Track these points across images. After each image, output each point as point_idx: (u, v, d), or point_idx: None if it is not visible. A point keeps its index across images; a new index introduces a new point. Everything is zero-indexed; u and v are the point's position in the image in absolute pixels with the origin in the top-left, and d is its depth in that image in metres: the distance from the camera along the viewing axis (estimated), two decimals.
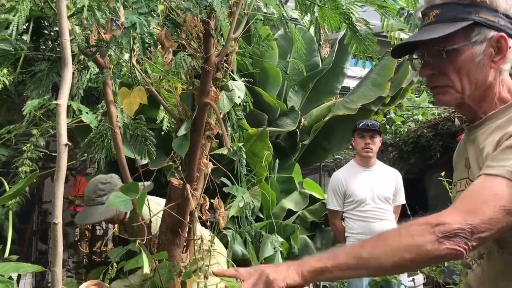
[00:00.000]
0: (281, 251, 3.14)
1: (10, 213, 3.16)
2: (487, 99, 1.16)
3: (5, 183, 3.22)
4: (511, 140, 1.04)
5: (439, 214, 0.99)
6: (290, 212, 4.30)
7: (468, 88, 1.14)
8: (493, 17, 1.11)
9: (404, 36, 2.68)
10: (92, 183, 2.73)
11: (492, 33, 1.12)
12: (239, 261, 2.96)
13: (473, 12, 1.10)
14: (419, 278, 4.18)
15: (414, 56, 1.20)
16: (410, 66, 1.21)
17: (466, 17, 1.10)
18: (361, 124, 3.75)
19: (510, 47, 1.12)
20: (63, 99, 1.16)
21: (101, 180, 2.71)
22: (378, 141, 3.76)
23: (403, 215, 4.11)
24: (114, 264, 1.78)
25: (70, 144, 1.15)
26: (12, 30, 1.94)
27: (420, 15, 1.22)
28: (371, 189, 3.68)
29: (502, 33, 1.11)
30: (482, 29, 1.11)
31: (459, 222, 0.95)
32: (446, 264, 3.43)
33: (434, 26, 1.13)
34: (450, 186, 3.45)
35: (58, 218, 1.13)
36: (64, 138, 1.13)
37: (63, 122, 1.15)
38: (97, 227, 5.89)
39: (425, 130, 6.82)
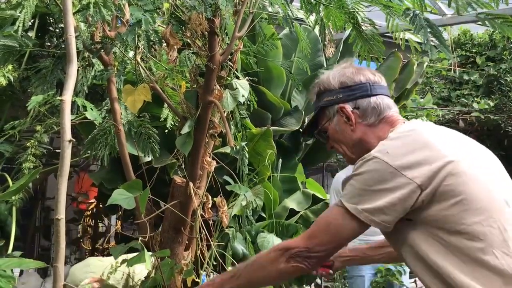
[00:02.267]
0: None
1: (14, 209, 3.17)
2: (370, 149, 1.32)
3: (9, 179, 3.23)
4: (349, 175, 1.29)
5: (289, 241, 1.37)
6: (292, 212, 4.29)
7: (346, 150, 1.43)
8: (331, 96, 1.42)
9: (409, 36, 2.67)
10: None
11: (336, 106, 1.41)
12: (240, 260, 2.96)
13: (321, 99, 1.45)
14: None
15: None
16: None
17: (317, 106, 1.46)
18: None
19: (358, 107, 1.38)
20: (68, 95, 1.16)
21: None
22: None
23: None
24: (116, 261, 1.78)
25: (74, 140, 1.15)
26: (18, 26, 1.94)
27: None
28: None
29: (340, 104, 1.40)
30: (329, 108, 1.43)
31: (300, 246, 1.28)
32: None
33: (310, 117, 1.54)
34: None
35: (61, 214, 1.13)
36: (68, 134, 1.13)
37: (67, 118, 1.16)
38: (100, 224, 5.92)
39: None
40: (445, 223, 1.17)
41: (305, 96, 5.44)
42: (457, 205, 1.15)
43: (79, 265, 2.85)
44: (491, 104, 6.84)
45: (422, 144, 1.22)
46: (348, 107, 1.39)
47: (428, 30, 1.76)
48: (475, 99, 7.74)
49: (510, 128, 6.42)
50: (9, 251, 2.95)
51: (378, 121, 1.38)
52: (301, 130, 5.07)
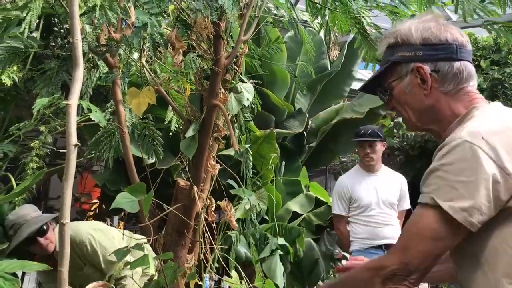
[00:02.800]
0: (282, 254, 3.13)
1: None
2: (440, 119, 1.24)
3: (13, 180, 3.24)
4: (433, 163, 1.13)
5: (381, 258, 1.21)
6: (295, 215, 4.29)
7: (412, 115, 1.27)
8: (410, 52, 1.24)
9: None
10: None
11: (412, 65, 1.23)
12: (244, 263, 2.96)
13: (394, 53, 1.27)
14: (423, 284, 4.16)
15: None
16: None
17: (389, 59, 1.28)
18: (359, 134, 3.72)
19: (438, 70, 1.21)
20: (74, 99, 1.16)
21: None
22: (379, 148, 3.73)
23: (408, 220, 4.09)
24: (120, 264, 1.78)
25: (79, 144, 1.16)
26: (24, 28, 1.94)
27: None
28: (376, 194, 3.66)
29: (418, 63, 1.23)
30: (403, 65, 1.25)
31: (394, 263, 1.10)
32: None
33: (376, 70, 1.35)
34: None
35: (66, 219, 1.13)
36: (74, 138, 1.13)
37: (73, 122, 1.16)
38: None
39: (432, 135, 6.79)
40: None
41: (309, 99, 5.44)
42: None
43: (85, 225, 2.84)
44: None
45: None
46: (427, 68, 1.21)
47: None
48: None
49: None
50: None
51: (456, 91, 1.22)
52: (304, 132, 5.07)
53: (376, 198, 3.66)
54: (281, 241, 3.10)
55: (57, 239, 2.41)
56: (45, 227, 2.53)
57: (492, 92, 7.84)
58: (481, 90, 8.26)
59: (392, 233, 3.64)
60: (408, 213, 3.95)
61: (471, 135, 1.07)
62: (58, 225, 1.37)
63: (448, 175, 1.07)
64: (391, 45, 1.27)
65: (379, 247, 3.60)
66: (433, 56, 1.22)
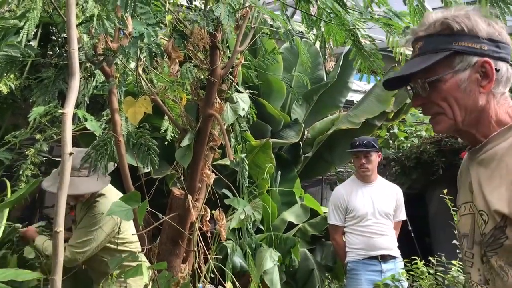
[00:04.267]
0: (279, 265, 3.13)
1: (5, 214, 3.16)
2: (483, 122, 1.16)
3: (8, 187, 3.23)
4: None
5: None
6: (291, 225, 4.29)
7: (458, 114, 1.15)
8: (474, 44, 1.12)
9: (409, 52, 2.70)
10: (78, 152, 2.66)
11: (475, 59, 1.13)
12: (238, 274, 2.95)
13: (453, 41, 1.13)
14: None
15: (408, 88, 1.24)
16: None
17: (446, 47, 1.13)
18: (354, 144, 3.74)
19: (498, 70, 1.13)
20: (69, 108, 1.17)
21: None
22: (374, 158, 3.75)
23: (404, 230, 4.10)
24: (114, 273, 1.78)
25: (74, 153, 1.16)
26: (22, 37, 1.96)
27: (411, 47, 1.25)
28: (372, 204, 3.67)
29: (486, 58, 1.13)
30: (464, 57, 1.13)
31: None
32: (446, 282, 3.41)
33: (418, 59, 1.17)
34: (452, 204, 3.44)
35: (60, 227, 1.13)
36: (68, 147, 1.14)
37: (68, 131, 1.16)
38: None
39: (428, 146, 6.81)
40: None
41: (305, 109, 5.46)
42: None
43: None
44: None
45: None
46: (493, 65, 1.12)
47: None
48: None
49: None
50: None
51: (501, 94, 1.16)
52: (300, 142, 5.09)
53: (372, 209, 3.67)
54: (275, 254, 3.10)
55: None
56: None
57: None
58: None
59: (388, 243, 3.65)
60: (403, 223, 3.96)
61: None
62: None
63: None
64: (451, 32, 1.13)
65: (375, 257, 3.60)
66: (497, 54, 1.13)
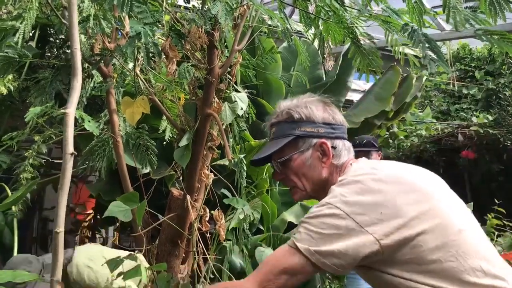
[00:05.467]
0: None
1: (15, 221, 3.15)
2: (326, 189, 1.31)
3: (7, 189, 3.22)
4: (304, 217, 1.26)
5: (240, 282, 1.31)
6: (291, 225, 4.27)
7: (307, 185, 1.37)
8: (312, 128, 1.36)
9: (408, 51, 2.69)
10: None
11: (315, 140, 1.35)
12: (237, 274, 2.94)
13: (296, 127, 1.36)
14: None
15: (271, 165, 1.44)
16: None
17: (291, 133, 1.36)
18: (354, 144, 3.70)
19: (335, 147, 1.35)
20: (71, 108, 1.16)
21: None
22: (374, 157, 3.72)
23: None
24: (113, 274, 1.76)
25: (76, 153, 1.15)
26: (18, 38, 1.95)
27: None
28: None
29: (322, 139, 1.35)
30: (306, 139, 1.36)
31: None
32: None
33: (271, 142, 1.41)
34: None
35: (60, 228, 1.12)
36: (70, 147, 1.13)
37: (70, 131, 1.15)
38: (97, 236, 5.88)
39: (428, 145, 6.81)
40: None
41: None
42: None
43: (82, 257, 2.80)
44: (490, 118, 6.85)
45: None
46: (329, 144, 1.35)
47: (427, 45, 1.77)
48: (474, 113, 7.76)
49: (509, 142, 6.41)
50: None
51: (341, 164, 1.37)
52: None
53: None
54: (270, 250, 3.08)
55: None
56: None
57: (486, 102, 7.89)
58: (475, 100, 8.33)
59: None
60: None
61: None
62: None
63: None
64: (295, 120, 1.36)
65: None
66: (332, 134, 1.36)
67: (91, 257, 2.36)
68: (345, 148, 1.38)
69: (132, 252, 1.89)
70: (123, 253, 1.86)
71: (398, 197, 1.16)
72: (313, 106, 1.38)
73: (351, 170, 1.32)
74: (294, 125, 1.36)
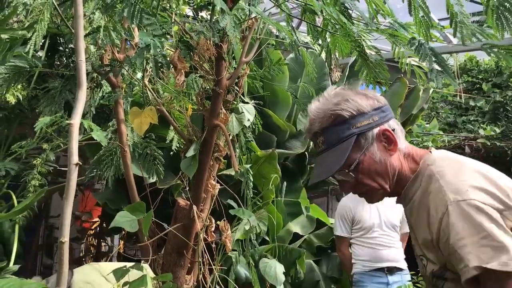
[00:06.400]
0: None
1: (16, 227, 3.16)
2: (402, 177, 1.24)
3: (14, 197, 3.24)
4: (450, 239, 1.09)
5: None
6: (296, 236, 4.26)
7: (383, 183, 1.24)
8: (367, 120, 1.21)
9: (415, 63, 2.69)
10: None
11: (375, 131, 1.22)
12: (243, 285, 2.93)
13: (351, 126, 1.21)
14: None
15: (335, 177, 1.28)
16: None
17: (349, 134, 1.20)
18: None
19: (394, 129, 1.23)
20: (76, 119, 1.18)
21: None
22: None
23: (410, 242, 4.06)
24: (118, 283, 1.77)
25: (81, 163, 1.17)
26: (30, 48, 1.98)
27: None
28: (378, 216, 3.64)
29: (381, 126, 1.22)
30: (366, 134, 1.21)
31: None
32: None
33: (328, 154, 1.23)
34: None
35: (66, 237, 1.13)
36: (75, 158, 1.14)
37: (75, 141, 1.17)
38: (103, 244, 5.89)
39: None
40: None
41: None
42: None
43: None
44: (497, 130, 6.82)
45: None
46: (389, 128, 1.22)
47: (433, 59, 1.78)
48: (481, 125, 7.73)
49: None
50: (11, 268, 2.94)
51: (405, 148, 1.26)
52: (306, 153, 5.07)
53: (378, 220, 3.64)
54: (280, 266, 3.08)
55: None
56: None
57: (494, 115, 7.86)
58: (482, 112, 8.30)
59: (394, 255, 3.61)
60: (410, 235, 3.93)
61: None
62: None
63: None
64: (344, 119, 1.21)
65: (381, 269, 3.56)
66: (385, 118, 1.23)
67: (88, 280, 2.37)
68: (399, 127, 1.25)
69: (137, 263, 1.89)
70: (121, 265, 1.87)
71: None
72: (354, 97, 1.23)
73: (441, 158, 1.21)
74: (347, 124, 1.21)
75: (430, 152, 1.26)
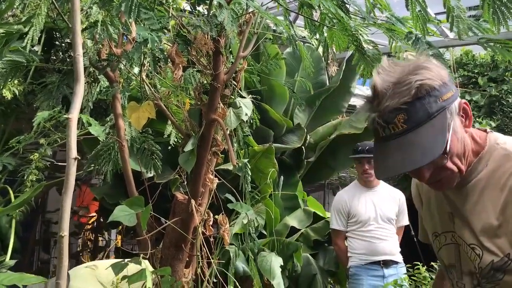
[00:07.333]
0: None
1: (13, 222, 3.17)
2: (467, 158, 1.11)
3: (11, 192, 3.24)
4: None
5: None
6: (293, 230, 4.28)
7: (461, 164, 1.08)
8: (449, 92, 1.04)
9: (411, 58, 2.70)
10: None
11: (457, 104, 1.05)
12: (241, 278, 2.95)
13: (437, 99, 1.02)
14: None
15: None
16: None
17: (438, 109, 1.01)
18: (357, 150, 3.73)
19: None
20: (74, 114, 1.18)
21: None
22: None
23: (406, 236, 4.08)
24: (117, 277, 1.78)
25: (79, 158, 1.17)
26: (27, 43, 1.97)
27: (373, 122, 1.06)
28: (374, 209, 3.66)
29: (461, 100, 1.07)
30: (450, 108, 1.04)
31: None
32: None
33: (414, 134, 1.01)
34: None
35: (65, 231, 1.14)
36: (73, 152, 1.15)
37: (73, 136, 1.17)
38: (100, 239, 5.90)
39: None
40: None
41: (308, 114, 5.47)
42: None
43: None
44: (493, 124, 6.85)
45: None
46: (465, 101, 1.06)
47: (430, 53, 1.79)
48: (477, 119, 7.76)
49: None
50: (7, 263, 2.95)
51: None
52: (303, 147, 5.09)
53: (374, 213, 3.66)
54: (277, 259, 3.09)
55: None
56: None
57: (489, 109, 7.89)
58: (478, 107, 8.33)
59: (390, 248, 3.63)
60: (406, 229, 3.96)
61: None
62: None
63: None
64: (435, 90, 1.01)
65: (377, 262, 3.59)
66: (456, 90, 1.07)
67: (84, 280, 2.38)
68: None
69: (136, 257, 1.90)
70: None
71: None
72: (431, 65, 1.04)
73: (509, 138, 1.11)
74: (433, 97, 1.00)
75: (487, 132, 1.13)
